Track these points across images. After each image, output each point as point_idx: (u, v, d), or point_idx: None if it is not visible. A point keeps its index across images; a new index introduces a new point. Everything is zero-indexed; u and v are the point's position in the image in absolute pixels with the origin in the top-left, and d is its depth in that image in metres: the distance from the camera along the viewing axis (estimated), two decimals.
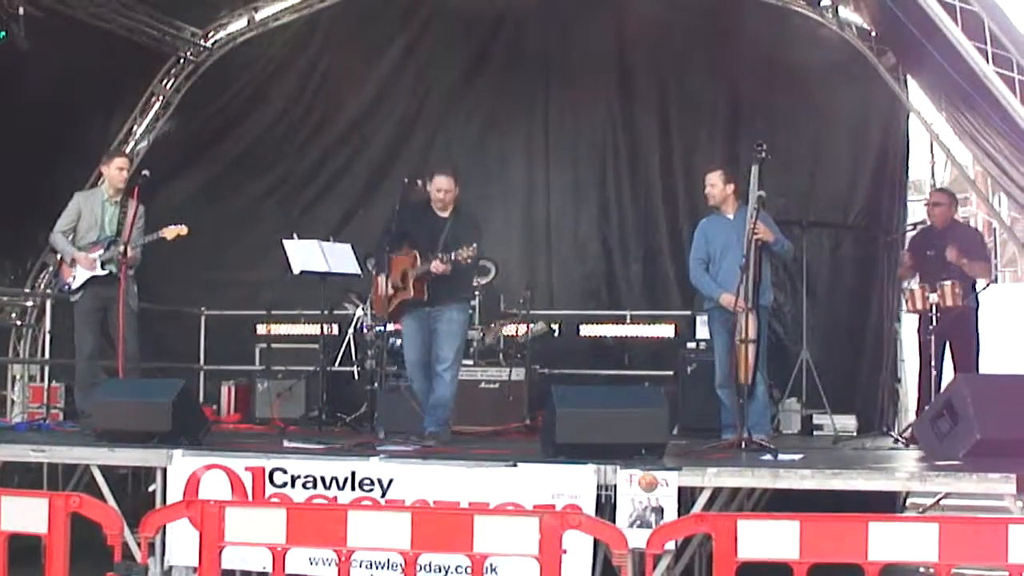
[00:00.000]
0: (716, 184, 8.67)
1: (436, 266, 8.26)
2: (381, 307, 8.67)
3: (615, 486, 6.45)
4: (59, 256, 9.46)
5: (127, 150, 12.34)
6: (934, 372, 9.14)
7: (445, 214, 8.61)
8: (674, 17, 11.60)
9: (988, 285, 9.56)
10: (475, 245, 8.24)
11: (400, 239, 8.54)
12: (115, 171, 9.27)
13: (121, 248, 8.89)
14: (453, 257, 8.22)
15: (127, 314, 8.92)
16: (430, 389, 8.54)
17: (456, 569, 6.39)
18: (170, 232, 8.98)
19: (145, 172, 9.24)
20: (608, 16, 12.03)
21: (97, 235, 9.15)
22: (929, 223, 10.13)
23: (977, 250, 9.69)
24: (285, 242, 10.19)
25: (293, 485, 6.91)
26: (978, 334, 9.44)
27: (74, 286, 9.14)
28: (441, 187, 8.54)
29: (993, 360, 9.54)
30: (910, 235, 10.62)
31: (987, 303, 9.56)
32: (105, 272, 9.05)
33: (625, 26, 12.02)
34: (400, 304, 8.52)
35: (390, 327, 9.18)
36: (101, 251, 9.07)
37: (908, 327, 10.72)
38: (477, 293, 10.54)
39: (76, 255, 9.10)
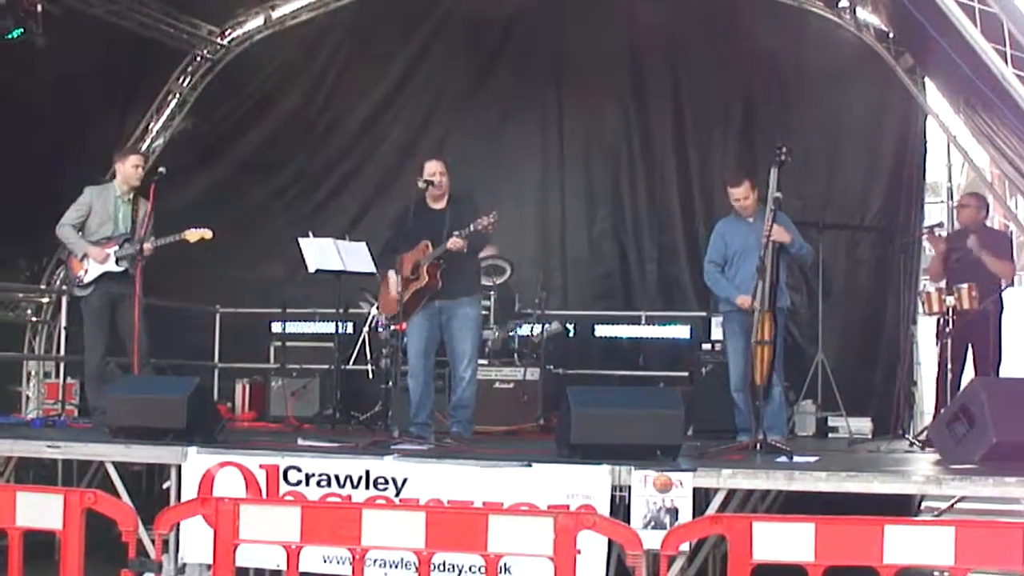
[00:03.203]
0: (748, 196, 8.60)
1: (454, 242, 8.11)
2: (390, 306, 8.60)
3: (630, 487, 6.44)
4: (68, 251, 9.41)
5: (143, 148, 12.38)
6: (951, 375, 9.10)
7: (440, 205, 8.50)
8: (688, 17, 11.58)
9: (1006, 287, 9.52)
10: (495, 212, 8.12)
11: (403, 240, 8.36)
12: (131, 168, 9.27)
13: (138, 246, 8.91)
14: (472, 229, 8.08)
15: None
16: (426, 385, 8.47)
17: (470, 568, 6.38)
18: (192, 235, 8.97)
19: (162, 169, 9.26)
20: (621, 16, 12.02)
21: (111, 231, 9.15)
22: (957, 226, 10.10)
23: (1000, 249, 9.64)
24: (301, 240, 10.19)
25: (307, 483, 6.92)
26: (1000, 338, 9.38)
27: (86, 280, 9.08)
28: (434, 171, 8.43)
29: (1009, 364, 9.49)
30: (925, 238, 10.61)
31: (1007, 307, 9.52)
32: (120, 269, 9.06)
33: (638, 26, 12.00)
34: (414, 295, 8.32)
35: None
36: (116, 247, 9.07)
37: (925, 329, 10.69)
38: (492, 292, 10.54)
39: (89, 249, 9.07)
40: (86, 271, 9.10)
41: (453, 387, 8.49)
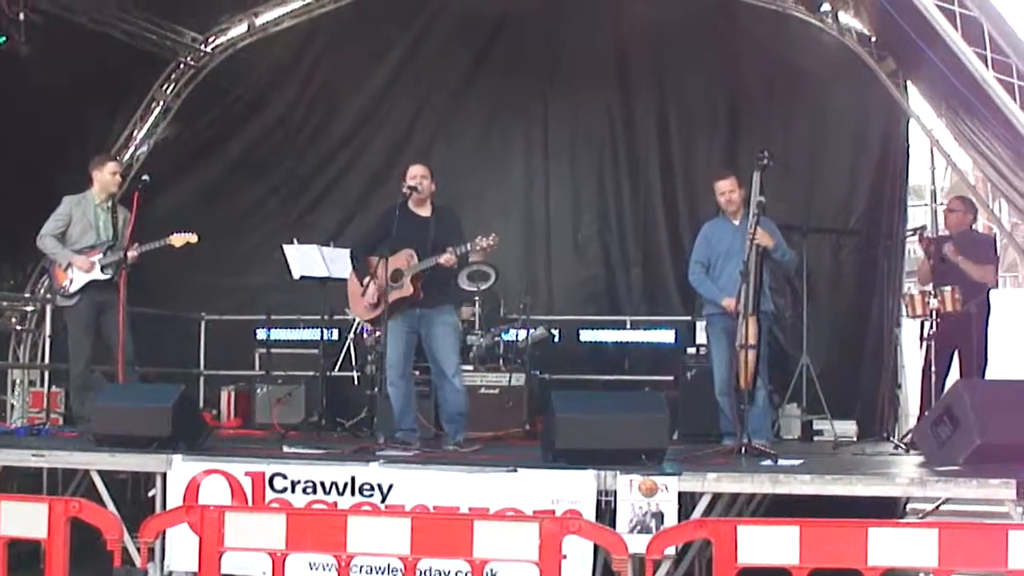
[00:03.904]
0: (735, 189, 8.61)
1: (447, 259, 8.09)
2: (362, 309, 8.58)
3: (615, 491, 6.45)
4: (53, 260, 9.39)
5: (127, 155, 12.35)
6: (935, 378, 9.12)
7: (425, 212, 8.46)
8: (674, 21, 11.57)
9: (991, 289, 9.54)
10: (494, 235, 8.13)
11: (384, 243, 8.30)
12: (108, 175, 9.25)
13: (122, 253, 8.89)
14: (469, 248, 8.09)
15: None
16: (407, 390, 8.46)
17: (456, 574, 6.39)
18: (178, 240, 8.97)
19: (145, 177, 9.26)
20: (608, 19, 12.02)
21: (94, 239, 9.14)
22: (942, 229, 10.13)
23: (979, 253, 9.64)
24: (285, 247, 10.19)
25: (293, 490, 6.91)
26: (985, 340, 9.38)
27: (72, 289, 9.08)
28: (416, 174, 8.38)
29: (992, 366, 9.50)
30: (910, 240, 10.63)
31: (994, 309, 9.52)
32: (106, 276, 9.04)
33: (625, 30, 12.01)
34: (394, 303, 8.22)
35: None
36: (100, 255, 9.06)
37: (909, 332, 10.71)
38: (477, 298, 10.53)
39: (73, 259, 9.06)
40: (71, 280, 9.08)
41: (443, 396, 8.46)
